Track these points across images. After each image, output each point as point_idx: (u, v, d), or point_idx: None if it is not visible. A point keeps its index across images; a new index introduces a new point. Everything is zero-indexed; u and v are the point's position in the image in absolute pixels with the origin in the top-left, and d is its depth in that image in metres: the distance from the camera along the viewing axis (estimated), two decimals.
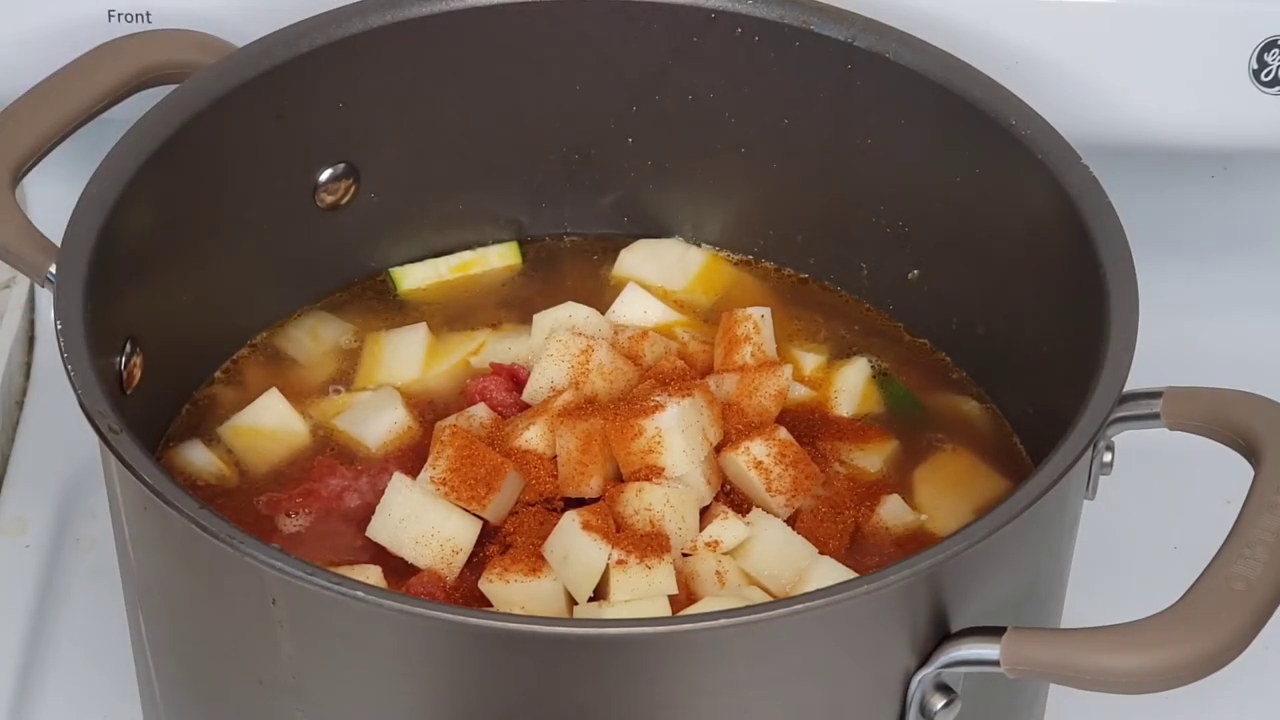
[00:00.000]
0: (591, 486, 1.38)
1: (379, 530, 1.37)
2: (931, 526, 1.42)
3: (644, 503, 1.35)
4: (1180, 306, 1.71)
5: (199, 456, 1.45)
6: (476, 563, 1.36)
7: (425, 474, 1.38)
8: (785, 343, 1.52)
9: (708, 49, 1.51)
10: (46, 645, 1.56)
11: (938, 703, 1.23)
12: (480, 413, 1.44)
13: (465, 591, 1.35)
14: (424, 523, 1.36)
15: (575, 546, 1.32)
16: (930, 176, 1.49)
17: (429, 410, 1.48)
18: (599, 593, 1.32)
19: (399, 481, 1.38)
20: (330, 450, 1.46)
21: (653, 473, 1.37)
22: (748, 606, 1.18)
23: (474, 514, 1.37)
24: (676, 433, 1.37)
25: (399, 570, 1.36)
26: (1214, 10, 1.60)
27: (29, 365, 1.76)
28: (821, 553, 1.37)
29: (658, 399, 1.38)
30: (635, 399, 1.40)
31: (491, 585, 1.33)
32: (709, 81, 1.53)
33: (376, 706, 1.21)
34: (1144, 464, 1.49)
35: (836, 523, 1.40)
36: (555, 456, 1.39)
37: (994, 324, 1.49)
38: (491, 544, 1.37)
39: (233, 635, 1.25)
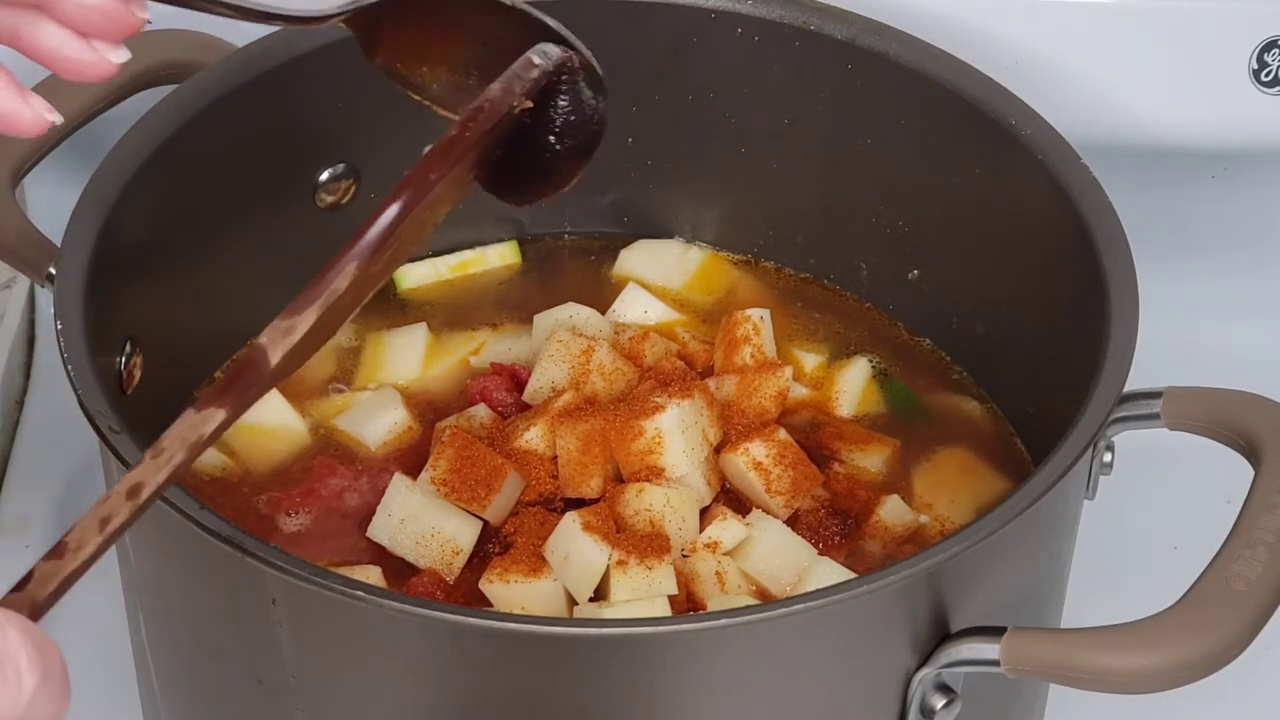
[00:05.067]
0: (592, 487, 1.38)
1: (379, 530, 1.37)
2: (931, 526, 1.42)
3: (644, 503, 1.35)
4: (1180, 306, 1.71)
5: None
6: (477, 563, 1.36)
7: (426, 474, 1.38)
8: (785, 343, 1.52)
9: (708, 49, 1.51)
10: None
11: (938, 703, 1.23)
12: (480, 413, 1.44)
13: (465, 591, 1.35)
14: (424, 523, 1.36)
15: (576, 547, 1.32)
16: (930, 176, 1.49)
17: (429, 410, 1.48)
18: (599, 593, 1.32)
19: (399, 482, 1.38)
20: (331, 450, 1.45)
21: (653, 473, 1.37)
22: (748, 607, 1.18)
23: (474, 514, 1.37)
24: (676, 433, 1.36)
25: (399, 570, 1.36)
26: (1214, 10, 1.60)
27: (29, 365, 1.76)
28: (821, 553, 1.37)
29: (658, 400, 1.38)
30: (635, 399, 1.40)
31: (491, 585, 1.33)
32: (709, 81, 1.53)
33: (376, 706, 1.21)
34: (1144, 464, 1.49)
35: (836, 523, 1.40)
36: (555, 457, 1.39)
37: (994, 324, 1.49)
38: (492, 544, 1.37)
39: (233, 635, 1.25)
